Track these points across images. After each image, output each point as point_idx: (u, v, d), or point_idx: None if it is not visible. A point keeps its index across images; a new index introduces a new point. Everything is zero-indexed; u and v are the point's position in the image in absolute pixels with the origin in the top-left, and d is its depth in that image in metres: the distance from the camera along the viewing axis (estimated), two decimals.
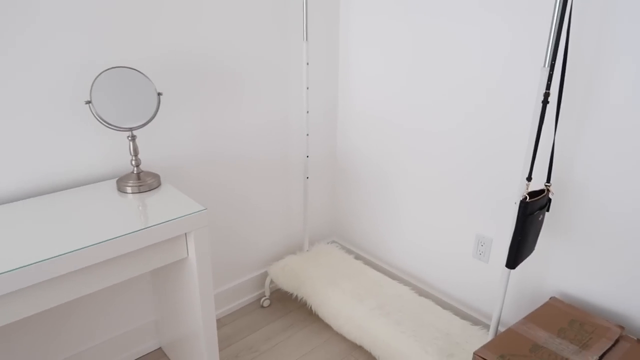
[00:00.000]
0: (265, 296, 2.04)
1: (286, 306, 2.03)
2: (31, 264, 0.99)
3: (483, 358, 1.22)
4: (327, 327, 1.91)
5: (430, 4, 1.61)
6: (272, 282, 2.02)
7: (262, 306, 2.03)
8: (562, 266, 1.48)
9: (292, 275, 1.94)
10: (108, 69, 1.28)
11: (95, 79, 1.27)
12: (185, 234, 1.29)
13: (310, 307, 1.87)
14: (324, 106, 2.06)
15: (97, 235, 1.11)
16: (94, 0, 1.31)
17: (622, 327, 1.32)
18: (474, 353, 1.25)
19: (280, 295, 2.10)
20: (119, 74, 1.31)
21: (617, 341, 1.28)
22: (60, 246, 1.06)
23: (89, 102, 1.27)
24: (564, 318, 1.37)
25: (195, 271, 1.32)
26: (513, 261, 1.29)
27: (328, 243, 2.26)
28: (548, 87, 1.14)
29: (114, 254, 1.11)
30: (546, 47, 1.14)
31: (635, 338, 1.30)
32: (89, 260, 1.07)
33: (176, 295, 1.51)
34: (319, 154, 2.12)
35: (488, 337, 1.53)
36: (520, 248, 1.27)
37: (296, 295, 1.96)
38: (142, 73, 1.34)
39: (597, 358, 1.21)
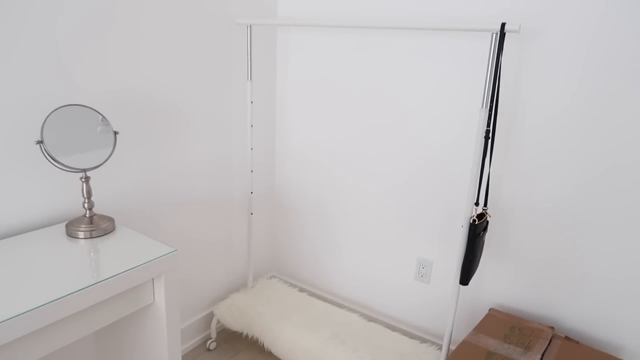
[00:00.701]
0: (211, 338, 1.96)
1: (234, 346, 1.97)
2: None
3: None
4: None
5: (366, 41, 1.77)
6: (218, 322, 1.96)
7: (208, 349, 1.95)
8: (495, 280, 1.68)
9: (240, 313, 1.90)
10: (61, 107, 1.20)
11: (47, 117, 1.18)
12: (153, 278, 1.22)
13: (262, 345, 1.84)
14: (264, 143, 2.10)
15: (56, 290, 0.99)
16: (40, 38, 1.23)
17: (552, 328, 1.53)
18: None
19: (227, 336, 2.03)
20: (72, 112, 1.23)
21: (551, 340, 1.48)
22: (13, 305, 0.92)
23: (40, 142, 1.17)
24: (505, 325, 1.55)
25: (164, 317, 1.25)
26: (466, 278, 1.44)
27: (268, 278, 2.26)
28: (488, 124, 1.34)
29: (77, 309, 1.00)
30: (483, 91, 1.34)
31: (564, 336, 1.52)
32: (51, 316, 0.95)
33: (133, 348, 1.40)
34: (260, 190, 2.14)
35: (442, 351, 1.65)
36: (471, 266, 1.42)
37: (245, 334, 1.92)
38: (97, 111, 1.27)
39: (540, 356, 1.39)
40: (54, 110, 1.19)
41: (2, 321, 0.87)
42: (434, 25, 1.37)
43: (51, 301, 0.95)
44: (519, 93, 1.48)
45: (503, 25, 1.25)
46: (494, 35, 1.29)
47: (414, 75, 1.69)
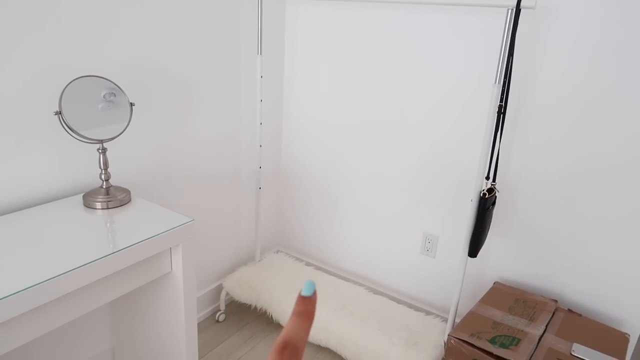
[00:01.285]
0: (220, 310, 2.01)
1: (242, 319, 2.01)
2: None
3: (458, 338, 1.37)
4: None
5: (377, 20, 1.77)
6: (227, 294, 1.99)
7: (217, 321, 1.99)
8: (500, 254, 1.72)
9: (248, 286, 1.94)
10: (78, 78, 1.20)
11: (65, 88, 1.18)
12: (170, 247, 1.25)
13: (271, 316, 1.88)
14: (272, 119, 2.11)
15: (75, 260, 1.00)
16: (57, 9, 1.23)
17: (555, 301, 1.58)
18: (448, 335, 1.40)
19: (234, 308, 2.08)
20: (89, 83, 1.23)
21: (554, 312, 1.53)
22: (32, 275, 0.93)
23: (58, 113, 1.18)
24: (510, 298, 1.60)
25: (181, 285, 1.28)
26: (474, 250, 1.48)
27: (275, 252, 2.29)
28: (501, 100, 1.35)
29: (97, 277, 1.02)
30: (497, 67, 1.35)
31: (567, 308, 1.57)
32: (73, 284, 0.97)
33: (149, 317, 1.44)
34: (268, 166, 2.15)
35: (447, 322, 1.70)
36: (480, 239, 1.46)
37: (253, 307, 1.96)
38: (113, 83, 1.28)
39: (544, 327, 1.44)
40: (72, 81, 1.19)
41: (22, 290, 0.89)
42: (449, 0, 1.37)
43: (70, 270, 0.97)
44: (529, 71, 1.49)
45: (519, 1, 1.26)
46: (509, 11, 1.29)
47: (423, 52, 1.69)
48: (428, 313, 1.92)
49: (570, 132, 1.48)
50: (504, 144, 1.60)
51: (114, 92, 1.28)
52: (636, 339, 1.53)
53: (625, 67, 1.35)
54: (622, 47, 1.34)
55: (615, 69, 1.37)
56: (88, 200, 1.29)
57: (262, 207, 2.20)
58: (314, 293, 0.32)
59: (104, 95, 1.26)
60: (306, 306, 0.31)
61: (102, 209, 1.29)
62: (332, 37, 1.90)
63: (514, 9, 1.28)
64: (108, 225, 1.20)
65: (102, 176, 1.32)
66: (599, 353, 1.33)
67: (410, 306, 1.98)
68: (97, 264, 1.02)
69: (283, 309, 1.84)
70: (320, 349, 1.87)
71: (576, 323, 1.48)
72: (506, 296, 1.61)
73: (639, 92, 1.35)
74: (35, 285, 0.91)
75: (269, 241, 2.34)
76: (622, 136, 1.40)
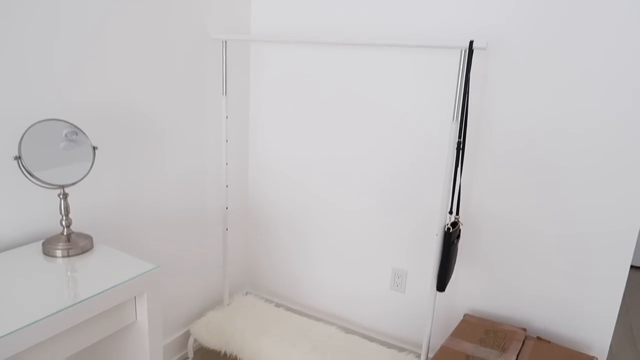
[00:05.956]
0: (188, 358, 1.92)
1: None
2: None
3: None
4: None
5: (339, 63, 1.83)
6: (195, 341, 1.92)
7: None
8: (468, 286, 1.75)
9: (217, 330, 1.87)
10: (39, 122, 1.18)
11: (25, 132, 1.15)
12: (135, 296, 1.20)
13: None
14: (238, 158, 2.10)
15: (31, 313, 0.95)
16: (19, 54, 1.21)
17: (524, 329, 1.60)
18: None
19: (204, 355, 1.99)
20: (50, 127, 1.21)
21: (524, 341, 1.55)
22: None
23: (18, 158, 1.14)
24: (480, 329, 1.61)
25: (147, 335, 1.23)
26: (442, 284, 1.49)
27: (244, 294, 2.24)
28: (459, 136, 1.41)
29: (56, 331, 0.97)
30: (454, 105, 1.41)
31: (535, 336, 1.59)
32: (30, 340, 0.91)
33: None
34: (234, 205, 2.13)
35: (420, 358, 1.69)
36: (447, 273, 1.48)
37: (222, 352, 1.89)
38: (75, 126, 1.25)
39: (515, 357, 1.45)
40: (32, 125, 1.17)
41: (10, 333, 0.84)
42: (405, 42, 1.44)
43: (26, 325, 0.92)
44: (486, 106, 1.57)
45: (471, 42, 1.34)
46: (463, 52, 1.37)
47: (385, 90, 1.75)
48: (401, 349, 1.91)
49: (527, 164, 1.55)
50: (464, 178, 1.65)
51: (75, 131, 1.25)
52: None
53: (574, 101, 1.44)
54: (567, 81, 1.44)
55: (565, 103, 1.46)
56: (48, 248, 1.24)
57: (230, 248, 2.17)
58: None
59: (65, 134, 1.23)
60: None
61: (62, 257, 1.24)
62: (296, 77, 1.95)
63: (467, 50, 1.36)
64: (69, 274, 1.15)
65: (63, 222, 1.27)
66: None
67: (382, 343, 1.96)
68: (56, 317, 0.97)
69: (254, 354, 1.78)
70: None
71: (545, 350, 1.51)
72: (476, 328, 1.62)
73: (588, 126, 1.44)
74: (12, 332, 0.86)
75: (238, 283, 2.29)
76: (578, 167, 1.48)
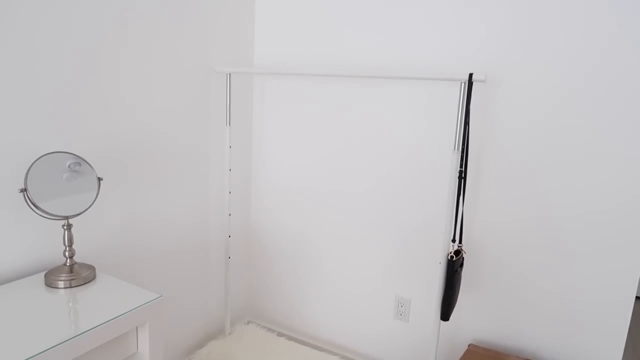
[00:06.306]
0: None
1: None
2: None
3: None
4: None
5: (336, 95, 1.87)
6: None
7: None
8: (472, 315, 1.73)
9: None
10: (45, 154, 1.20)
11: (32, 165, 1.17)
12: (137, 326, 1.20)
13: None
14: (241, 187, 2.12)
15: (32, 346, 0.95)
16: (27, 86, 1.25)
17: None
18: None
19: None
20: (55, 159, 1.23)
21: None
22: None
23: (23, 190, 1.16)
24: None
25: None
26: (446, 313, 1.48)
27: (245, 323, 2.22)
28: (461, 165, 1.42)
29: None
30: (455, 135, 1.43)
31: None
32: None
33: None
34: (237, 234, 2.14)
35: None
36: (450, 301, 1.47)
37: None
38: (80, 157, 1.27)
39: None
40: (39, 158, 1.19)
41: None
42: (406, 74, 1.47)
43: (27, 359, 0.91)
44: (486, 135, 1.59)
45: (471, 75, 1.37)
46: (463, 84, 1.40)
47: (386, 119, 1.78)
48: None
49: (528, 190, 1.56)
50: (467, 207, 1.66)
51: (79, 162, 1.27)
52: None
53: (573, 130, 1.46)
54: (565, 111, 1.46)
55: (562, 131, 1.48)
56: (50, 279, 1.24)
57: (232, 276, 2.16)
58: None
59: (68, 165, 1.25)
60: None
61: (64, 287, 1.24)
62: (297, 107, 1.98)
63: (467, 82, 1.39)
64: (71, 305, 1.15)
65: (67, 253, 1.27)
66: None
67: None
68: (58, 349, 0.96)
69: None
70: None
71: None
72: (481, 359, 1.60)
73: (588, 156, 1.45)
74: None
75: (239, 312, 2.27)
76: (577, 193, 1.49)
